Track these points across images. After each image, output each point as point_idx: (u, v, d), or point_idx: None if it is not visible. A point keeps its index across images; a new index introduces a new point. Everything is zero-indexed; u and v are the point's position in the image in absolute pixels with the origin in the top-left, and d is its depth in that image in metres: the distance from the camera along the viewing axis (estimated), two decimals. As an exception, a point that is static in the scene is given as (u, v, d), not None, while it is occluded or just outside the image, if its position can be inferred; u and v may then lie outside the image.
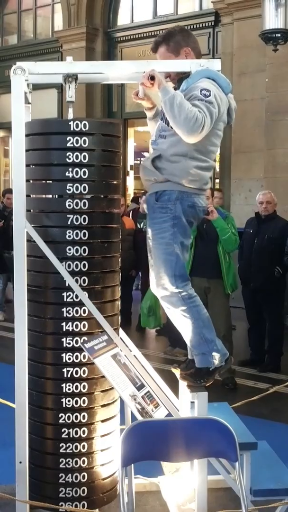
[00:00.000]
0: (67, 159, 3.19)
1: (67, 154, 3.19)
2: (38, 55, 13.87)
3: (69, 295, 3.24)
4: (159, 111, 3.41)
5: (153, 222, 3.27)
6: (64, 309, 3.26)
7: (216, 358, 3.26)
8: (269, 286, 6.76)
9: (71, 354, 3.27)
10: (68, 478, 3.30)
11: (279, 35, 8.54)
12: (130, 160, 14.23)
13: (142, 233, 8.88)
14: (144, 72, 3.18)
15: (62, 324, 3.26)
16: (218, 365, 3.28)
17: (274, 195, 7.04)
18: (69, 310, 3.26)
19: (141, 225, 8.99)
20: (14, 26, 15.15)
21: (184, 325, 3.28)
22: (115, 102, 13.29)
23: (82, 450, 3.31)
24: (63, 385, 3.28)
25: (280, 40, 8.61)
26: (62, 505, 3.29)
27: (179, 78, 3.27)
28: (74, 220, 3.23)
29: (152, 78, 3.14)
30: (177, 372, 3.44)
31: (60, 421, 3.29)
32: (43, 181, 3.38)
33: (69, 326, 3.26)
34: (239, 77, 10.25)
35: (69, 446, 3.30)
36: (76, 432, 3.30)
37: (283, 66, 9.49)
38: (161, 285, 3.26)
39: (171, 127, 3.15)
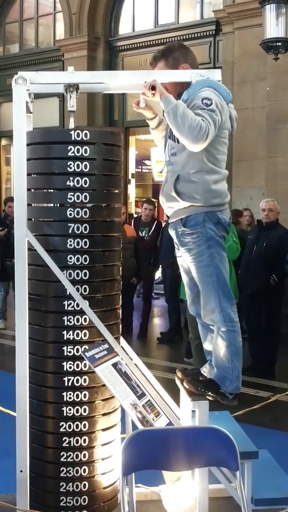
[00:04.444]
0: (68, 168, 3.20)
1: (68, 163, 3.20)
2: (39, 64, 13.93)
3: (70, 303, 3.25)
4: (161, 121, 3.43)
5: (187, 248, 3.30)
6: (65, 318, 3.26)
7: (231, 386, 3.29)
8: (263, 293, 6.79)
9: (72, 363, 3.27)
10: (69, 487, 3.29)
11: (280, 44, 8.56)
12: (132, 168, 14.25)
13: (143, 241, 8.91)
14: (145, 82, 3.20)
15: (63, 332, 3.27)
16: (228, 392, 3.30)
17: (277, 203, 7.07)
18: (70, 318, 3.26)
19: (143, 233, 9.01)
20: (15, 35, 15.20)
21: (217, 344, 3.30)
22: (116, 110, 13.32)
23: (83, 459, 3.30)
24: (64, 393, 3.28)
25: (281, 49, 8.62)
26: (63, 514, 3.28)
27: (178, 94, 3.28)
28: (75, 229, 3.24)
29: (153, 88, 3.16)
30: (180, 374, 3.45)
31: (61, 430, 3.29)
32: (44, 190, 3.39)
33: (70, 335, 3.26)
34: (240, 85, 10.28)
35: (70, 455, 3.29)
36: (77, 441, 3.29)
37: (284, 75, 9.52)
38: (206, 307, 3.29)
39: (178, 142, 3.17)
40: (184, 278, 3.47)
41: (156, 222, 9.19)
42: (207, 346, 3.48)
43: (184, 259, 3.37)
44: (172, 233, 3.40)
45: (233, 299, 3.33)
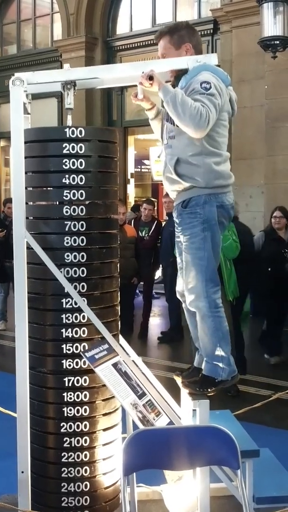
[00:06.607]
0: (64, 166, 3.19)
1: (64, 161, 3.19)
2: (37, 64, 13.94)
3: (69, 301, 3.23)
4: (159, 110, 3.41)
5: (183, 228, 3.29)
6: (63, 316, 3.24)
7: (225, 372, 3.26)
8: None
9: (71, 361, 3.25)
10: (71, 487, 3.28)
11: (277, 42, 8.57)
12: (131, 168, 14.23)
13: (144, 241, 8.90)
14: (143, 72, 3.18)
15: (61, 330, 3.25)
16: (225, 379, 3.28)
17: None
18: (69, 316, 3.24)
19: (143, 233, 9.00)
20: (13, 36, 15.21)
21: (203, 331, 3.28)
22: (115, 110, 13.32)
23: (84, 459, 3.29)
24: (64, 394, 3.26)
25: (279, 47, 8.63)
26: (64, 514, 3.26)
27: (177, 75, 3.27)
28: (72, 227, 3.22)
29: (150, 78, 3.15)
30: (178, 379, 3.42)
31: (62, 430, 3.27)
32: (40, 188, 3.37)
33: (68, 333, 3.25)
34: (239, 84, 10.25)
35: (71, 455, 3.28)
36: (78, 441, 3.28)
37: (282, 73, 9.52)
38: (190, 289, 3.27)
39: (176, 126, 3.15)
40: (179, 263, 3.43)
41: (156, 222, 9.19)
42: (194, 332, 3.45)
43: (181, 240, 3.34)
44: (174, 214, 3.38)
45: (219, 285, 3.30)
